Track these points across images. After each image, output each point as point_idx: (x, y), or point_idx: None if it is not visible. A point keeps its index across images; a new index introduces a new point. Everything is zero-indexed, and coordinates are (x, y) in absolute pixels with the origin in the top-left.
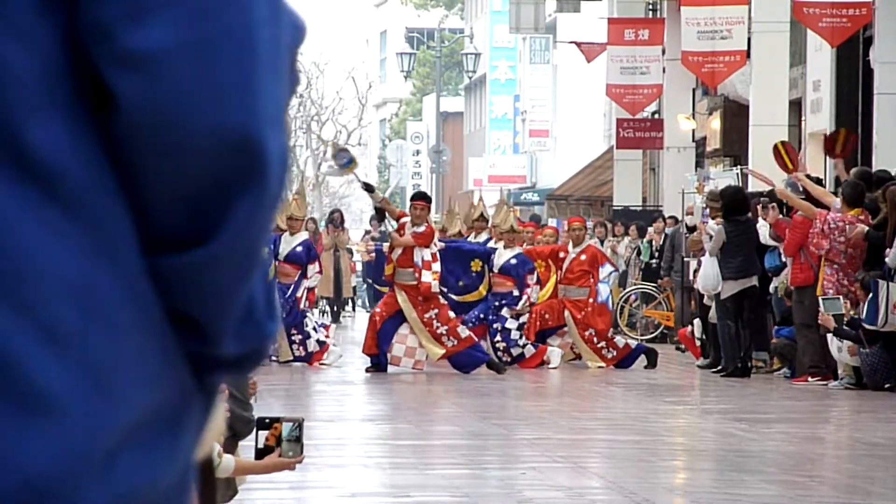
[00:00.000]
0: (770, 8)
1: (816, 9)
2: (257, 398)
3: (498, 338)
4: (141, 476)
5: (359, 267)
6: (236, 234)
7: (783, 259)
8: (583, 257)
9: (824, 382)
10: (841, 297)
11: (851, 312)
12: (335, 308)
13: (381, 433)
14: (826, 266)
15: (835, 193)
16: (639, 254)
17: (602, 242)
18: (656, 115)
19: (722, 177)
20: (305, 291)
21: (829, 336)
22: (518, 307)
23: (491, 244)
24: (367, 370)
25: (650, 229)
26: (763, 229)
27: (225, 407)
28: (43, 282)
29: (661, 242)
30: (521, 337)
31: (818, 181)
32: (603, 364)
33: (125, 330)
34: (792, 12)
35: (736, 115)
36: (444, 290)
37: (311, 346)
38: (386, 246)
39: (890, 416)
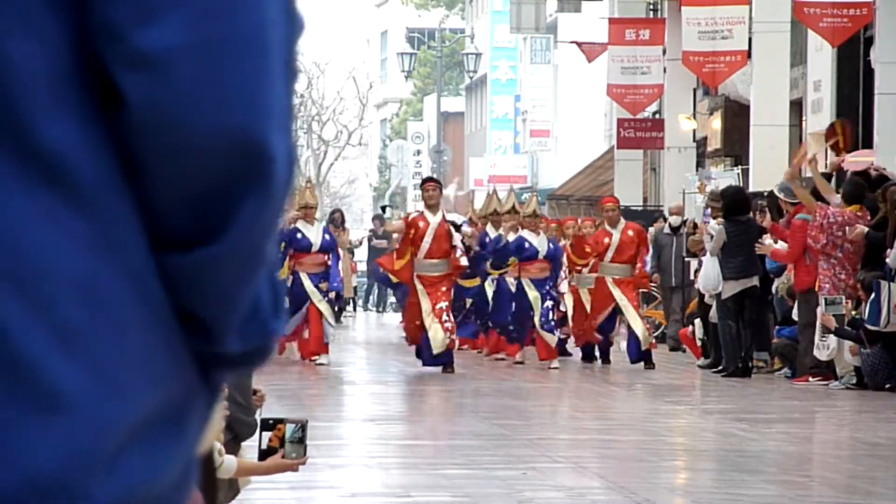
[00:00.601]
0: (771, 8)
1: (817, 9)
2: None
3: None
4: (145, 473)
5: (359, 267)
6: (241, 234)
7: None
8: (630, 232)
9: (825, 382)
10: (843, 297)
11: (853, 313)
12: (335, 308)
13: (381, 433)
14: (822, 261)
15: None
16: None
17: None
18: (657, 115)
19: (723, 177)
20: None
21: (817, 336)
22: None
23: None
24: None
25: (651, 229)
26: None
27: (224, 405)
28: (53, 279)
29: None
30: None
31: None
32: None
33: (133, 327)
34: (793, 12)
35: (737, 115)
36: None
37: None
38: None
39: (890, 417)
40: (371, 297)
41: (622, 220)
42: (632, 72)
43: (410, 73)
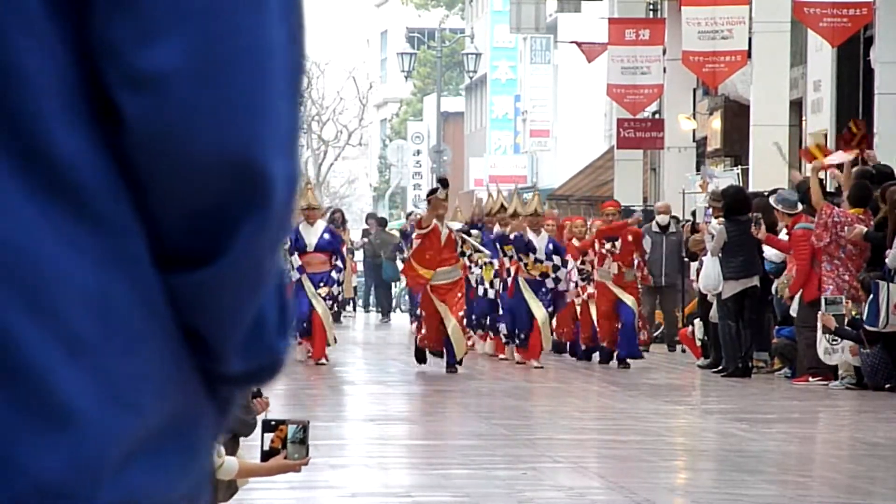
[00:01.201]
0: (771, 8)
1: (817, 9)
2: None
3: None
4: (152, 485)
5: (360, 267)
6: (241, 255)
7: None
8: (630, 237)
9: (825, 383)
10: (842, 297)
11: (853, 312)
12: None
13: (381, 433)
14: (825, 262)
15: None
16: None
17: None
18: (657, 115)
19: (723, 176)
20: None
21: (819, 337)
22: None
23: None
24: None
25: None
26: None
27: None
28: (61, 290)
29: None
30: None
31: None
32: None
33: (141, 341)
34: (793, 12)
35: (737, 115)
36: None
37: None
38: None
39: (890, 417)
40: (370, 298)
41: None
42: (632, 72)
43: (410, 73)
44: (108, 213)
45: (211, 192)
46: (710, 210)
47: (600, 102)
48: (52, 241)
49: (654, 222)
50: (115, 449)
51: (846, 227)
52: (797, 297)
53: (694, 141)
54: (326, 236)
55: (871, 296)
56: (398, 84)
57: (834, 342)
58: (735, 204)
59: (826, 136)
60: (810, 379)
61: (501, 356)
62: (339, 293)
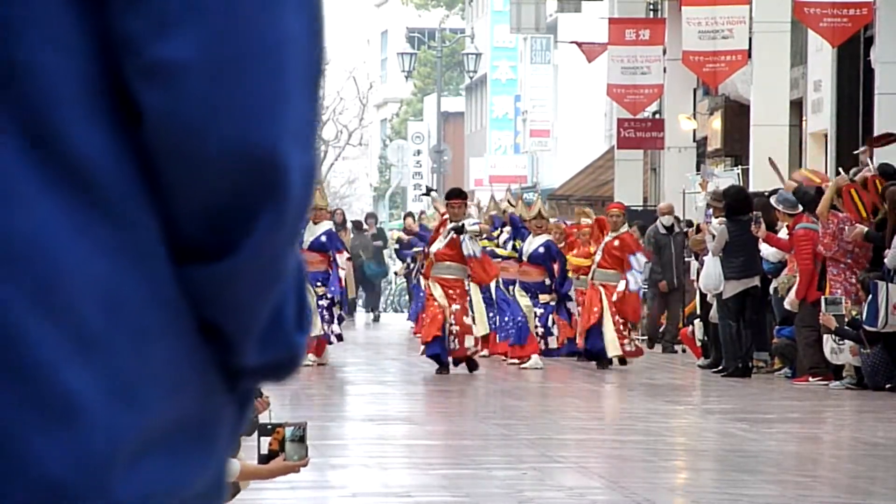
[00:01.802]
0: (771, 8)
1: (817, 9)
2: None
3: (537, 323)
4: (166, 481)
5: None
6: (257, 248)
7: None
8: (616, 243)
9: (825, 382)
10: (843, 297)
11: (853, 313)
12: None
13: (381, 433)
14: (831, 266)
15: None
16: None
17: None
18: (657, 115)
19: (723, 176)
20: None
21: (825, 337)
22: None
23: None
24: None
25: (648, 230)
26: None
27: None
28: (72, 284)
29: None
30: (553, 323)
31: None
32: (620, 353)
33: (153, 335)
34: (793, 12)
35: (737, 115)
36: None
37: (333, 329)
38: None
39: (891, 417)
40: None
41: (626, 226)
42: (632, 72)
43: (410, 73)
44: (123, 207)
45: (228, 184)
46: (711, 210)
47: (600, 102)
48: (66, 234)
49: (658, 223)
50: (124, 445)
51: (846, 228)
52: (792, 295)
53: (694, 141)
54: (323, 238)
55: (871, 296)
56: (398, 84)
57: (840, 342)
58: (736, 204)
59: (826, 136)
60: (810, 379)
61: (503, 357)
62: (334, 295)
